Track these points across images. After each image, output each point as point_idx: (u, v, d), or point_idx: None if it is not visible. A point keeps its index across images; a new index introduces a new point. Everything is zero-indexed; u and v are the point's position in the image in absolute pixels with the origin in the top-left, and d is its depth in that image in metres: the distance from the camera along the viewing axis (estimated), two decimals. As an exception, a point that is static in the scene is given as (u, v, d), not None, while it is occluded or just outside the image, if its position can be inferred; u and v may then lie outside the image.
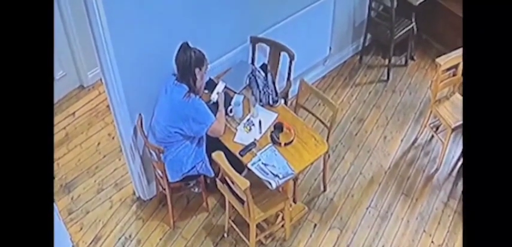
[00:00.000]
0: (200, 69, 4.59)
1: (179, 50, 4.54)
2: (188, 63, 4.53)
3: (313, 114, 5.66)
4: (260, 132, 4.95)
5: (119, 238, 5.42)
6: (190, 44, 4.54)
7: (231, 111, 5.05)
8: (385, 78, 7.04)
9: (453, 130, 5.69)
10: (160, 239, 5.41)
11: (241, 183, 4.39)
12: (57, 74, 6.34)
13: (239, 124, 5.02)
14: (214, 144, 4.85)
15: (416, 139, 6.31)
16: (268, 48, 5.68)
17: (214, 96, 4.99)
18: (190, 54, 4.51)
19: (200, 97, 4.77)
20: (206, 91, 5.24)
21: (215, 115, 4.82)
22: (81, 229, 5.47)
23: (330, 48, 6.78)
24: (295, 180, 5.25)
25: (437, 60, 5.58)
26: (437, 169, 5.99)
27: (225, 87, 5.07)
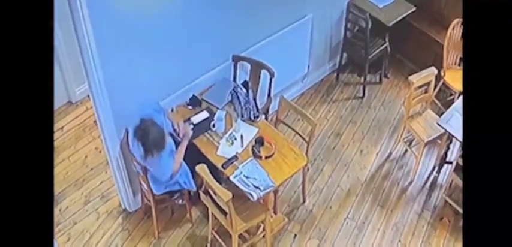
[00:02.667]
0: (158, 152, 4.48)
1: (139, 124, 4.40)
2: (143, 140, 4.41)
3: (292, 129, 5.64)
4: (242, 146, 4.92)
5: (105, 249, 5.36)
6: (149, 121, 4.40)
7: (214, 125, 5.02)
8: (361, 95, 7.03)
9: (426, 144, 5.69)
10: (146, 250, 5.36)
11: (224, 195, 4.35)
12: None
13: (222, 138, 4.98)
14: (197, 157, 4.79)
15: (390, 153, 6.30)
16: (249, 66, 5.66)
17: (195, 119, 5.06)
18: (147, 136, 4.36)
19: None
20: (190, 107, 5.22)
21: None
22: (68, 239, 5.37)
23: (308, 67, 6.76)
24: (275, 192, 5.20)
25: (410, 78, 5.59)
26: (411, 182, 5.98)
27: (207, 118, 5.11)
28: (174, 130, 4.85)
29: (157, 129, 4.39)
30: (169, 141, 4.67)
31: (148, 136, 4.35)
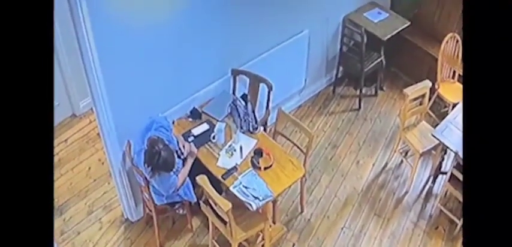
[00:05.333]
0: (167, 173, 4.48)
1: (150, 148, 4.36)
2: (154, 162, 4.37)
3: (290, 141, 5.63)
4: (241, 157, 4.90)
5: (108, 258, 5.33)
6: (161, 146, 4.36)
7: (214, 137, 5.01)
8: (357, 107, 7.03)
9: (421, 155, 5.68)
10: (147, 259, 5.34)
11: (224, 204, 4.33)
12: (51, 103, 6.24)
13: (221, 149, 4.97)
14: (198, 168, 4.78)
15: (386, 163, 6.28)
16: (248, 80, 5.66)
17: (195, 131, 5.07)
18: (160, 158, 4.32)
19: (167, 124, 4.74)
20: (190, 119, 5.22)
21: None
22: (72, 249, 5.37)
23: (305, 80, 6.77)
24: (274, 202, 5.17)
25: (405, 90, 5.59)
26: (406, 192, 5.96)
27: (207, 130, 5.11)
28: (179, 148, 4.83)
29: (167, 153, 4.36)
30: (177, 159, 4.70)
31: (158, 161, 4.33)
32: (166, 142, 4.45)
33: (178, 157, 4.73)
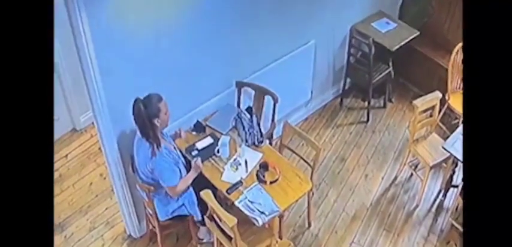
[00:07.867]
0: (158, 117, 4.41)
1: (132, 109, 4.35)
2: (143, 119, 4.34)
3: (296, 154, 5.60)
4: (246, 171, 4.87)
5: (111, 276, 5.30)
6: (140, 97, 4.33)
7: (218, 151, 4.98)
8: (365, 119, 7.00)
9: (431, 168, 5.64)
10: (151, 276, 5.29)
11: (229, 220, 4.30)
12: (52, 118, 6.24)
13: (226, 163, 4.94)
14: (202, 183, 4.75)
15: (396, 177, 6.24)
16: (253, 92, 5.65)
17: (199, 145, 5.04)
18: (141, 109, 4.29)
19: (165, 131, 4.73)
20: (194, 132, 5.19)
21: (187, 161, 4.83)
22: (73, 267, 5.34)
23: (312, 92, 6.75)
24: (280, 216, 5.13)
25: (415, 102, 5.56)
26: (417, 206, 5.92)
27: (212, 143, 5.08)
28: (175, 133, 4.90)
29: (148, 103, 4.34)
30: (178, 153, 4.77)
31: (146, 110, 4.31)
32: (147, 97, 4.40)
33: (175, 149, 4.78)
